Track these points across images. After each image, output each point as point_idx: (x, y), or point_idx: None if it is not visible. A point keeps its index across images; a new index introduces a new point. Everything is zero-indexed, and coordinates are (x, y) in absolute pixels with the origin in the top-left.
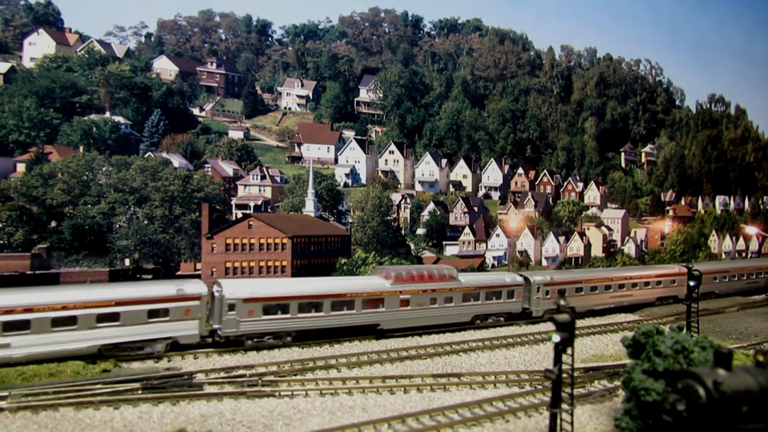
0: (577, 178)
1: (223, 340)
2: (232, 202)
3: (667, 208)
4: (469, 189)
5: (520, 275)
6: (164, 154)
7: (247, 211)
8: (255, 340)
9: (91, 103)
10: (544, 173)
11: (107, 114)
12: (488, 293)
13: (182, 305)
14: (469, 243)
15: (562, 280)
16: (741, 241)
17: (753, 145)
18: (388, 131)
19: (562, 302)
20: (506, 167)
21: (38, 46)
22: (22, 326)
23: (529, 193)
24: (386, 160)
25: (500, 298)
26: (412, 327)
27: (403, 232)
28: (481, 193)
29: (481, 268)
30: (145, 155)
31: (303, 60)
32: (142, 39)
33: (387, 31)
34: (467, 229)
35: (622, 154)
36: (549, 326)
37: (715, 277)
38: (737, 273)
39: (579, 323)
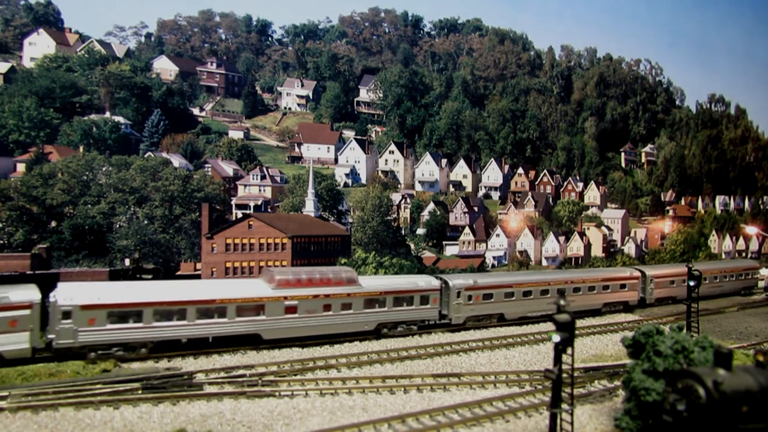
0: (577, 178)
1: (58, 353)
2: (232, 202)
3: (667, 208)
4: (469, 189)
5: (439, 278)
6: (164, 154)
7: (247, 211)
8: (99, 352)
9: (91, 103)
10: (544, 173)
11: (107, 114)
12: (397, 299)
13: (7, 315)
14: (469, 243)
15: (488, 284)
16: (741, 241)
17: (753, 145)
18: (388, 131)
19: (562, 302)
20: (506, 167)
21: (38, 46)
22: None
23: (529, 193)
24: (386, 160)
25: (412, 304)
26: (303, 337)
27: (403, 232)
28: (481, 193)
29: (481, 268)
30: (145, 155)
31: (303, 60)
32: (142, 39)
33: (387, 31)
34: (467, 229)
35: (622, 154)
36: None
37: (672, 281)
38: (705, 276)
39: (579, 323)
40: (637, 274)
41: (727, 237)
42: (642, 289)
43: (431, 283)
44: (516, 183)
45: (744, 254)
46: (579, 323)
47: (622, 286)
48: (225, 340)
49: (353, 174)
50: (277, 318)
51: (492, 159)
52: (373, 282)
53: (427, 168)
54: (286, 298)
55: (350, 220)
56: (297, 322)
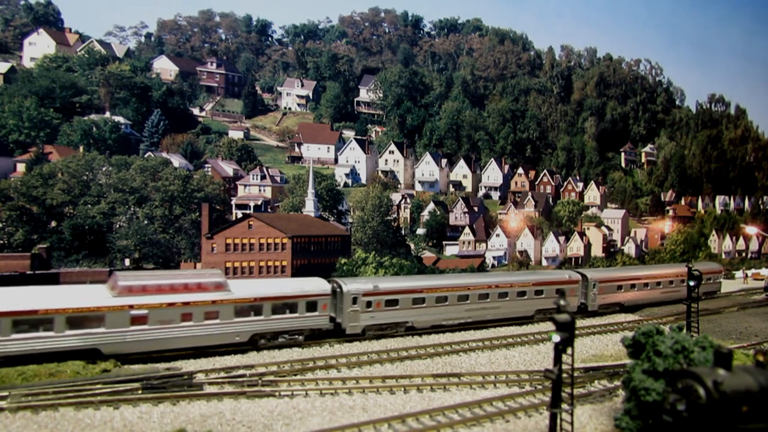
0: (577, 178)
1: None
2: (232, 202)
3: (667, 208)
4: (469, 189)
5: (332, 282)
6: (164, 154)
7: (247, 211)
8: None
9: (91, 103)
10: (544, 173)
11: (107, 114)
12: (277, 306)
13: None
14: (469, 243)
15: (392, 289)
16: (741, 241)
17: (753, 145)
18: (388, 131)
19: (561, 302)
20: (506, 167)
21: (38, 46)
22: None
23: (529, 193)
24: (386, 160)
25: (296, 312)
26: (156, 351)
27: (403, 232)
28: (481, 193)
29: (481, 268)
30: (145, 155)
31: (303, 60)
32: (142, 39)
33: (387, 31)
34: (467, 229)
35: (622, 154)
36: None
37: (620, 286)
38: (649, 280)
39: (579, 323)
40: (577, 277)
41: (727, 237)
42: (584, 295)
43: (321, 288)
44: (516, 183)
45: (744, 254)
46: (579, 323)
47: (559, 292)
48: (55, 356)
49: (353, 174)
50: (121, 330)
51: (492, 159)
52: (247, 287)
53: (427, 168)
54: (131, 306)
55: (350, 220)
56: (147, 335)
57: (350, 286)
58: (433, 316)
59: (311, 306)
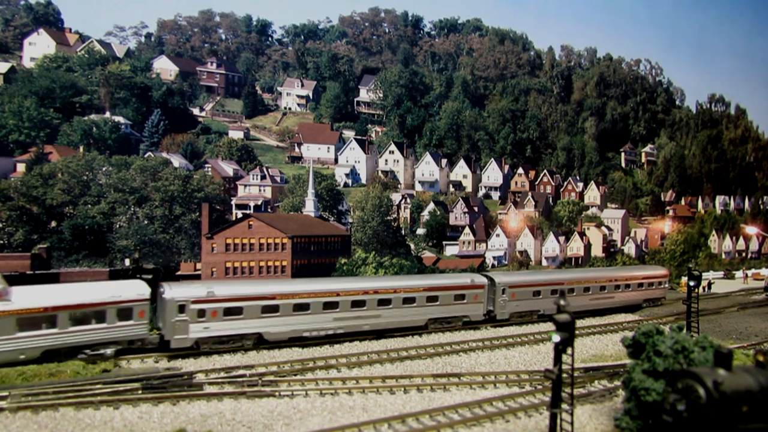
0: (577, 178)
1: None
2: (232, 202)
3: (667, 208)
4: (469, 189)
5: (160, 286)
6: (164, 154)
7: (247, 211)
8: None
9: (91, 103)
10: (544, 173)
11: (107, 114)
12: (76, 316)
13: None
14: (469, 243)
15: (233, 295)
16: (741, 241)
17: (753, 145)
18: (388, 131)
19: (562, 302)
20: (506, 167)
21: (38, 46)
22: None
23: (529, 193)
24: (386, 160)
25: (104, 322)
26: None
27: (403, 232)
28: (481, 193)
29: (481, 268)
30: (145, 155)
31: (303, 60)
32: (142, 39)
33: (387, 31)
34: (467, 229)
35: (622, 154)
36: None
37: (537, 291)
38: (581, 285)
39: (579, 323)
40: (482, 281)
41: (727, 237)
42: (492, 301)
43: (137, 292)
44: (516, 183)
45: (744, 254)
46: (579, 323)
47: (458, 297)
48: None
49: (353, 174)
50: None
51: (492, 159)
52: (37, 295)
53: (427, 168)
54: None
55: (350, 220)
56: None
57: (175, 291)
58: (290, 326)
59: (124, 314)
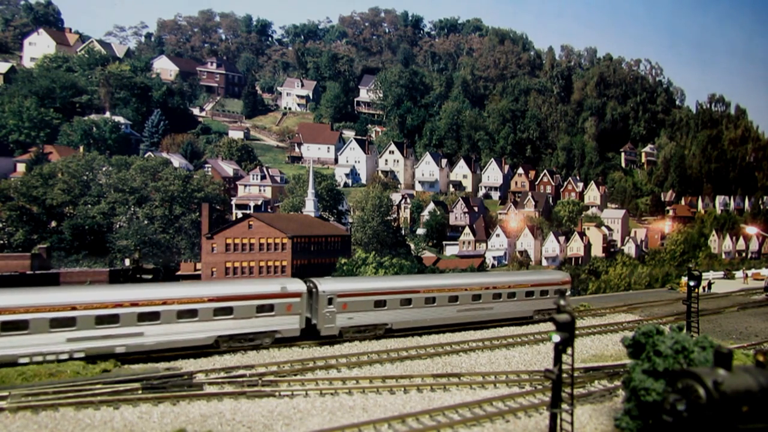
0: (577, 178)
1: None
2: (232, 202)
3: (667, 208)
4: (469, 189)
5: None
6: (164, 154)
7: (247, 211)
8: None
9: (91, 103)
10: (544, 173)
11: (107, 114)
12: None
13: None
14: (469, 243)
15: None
16: (741, 241)
17: (753, 145)
18: (388, 131)
19: (561, 302)
20: (506, 167)
21: (38, 46)
22: None
23: (529, 193)
24: (386, 160)
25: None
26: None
27: (403, 232)
28: (481, 193)
29: (481, 268)
30: (145, 155)
31: (303, 60)
32: (142, 39)
33: (387, 31)
34: (467, 229)
35: (622, 154)
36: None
37: (383, 301)
38: (434, 294)
39: (579, 323)
40: (297, 289)
41: (727, 237)
42: (315, 312)
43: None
44: (516, 183)
45: (744, 254)
46: (579, 323)
47: (263, 309)
48: None
49: (353, 174)
50: None
51: (492, 159)
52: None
53: (427, 168)
54: None
55: (350, 220)
56: None
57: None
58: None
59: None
